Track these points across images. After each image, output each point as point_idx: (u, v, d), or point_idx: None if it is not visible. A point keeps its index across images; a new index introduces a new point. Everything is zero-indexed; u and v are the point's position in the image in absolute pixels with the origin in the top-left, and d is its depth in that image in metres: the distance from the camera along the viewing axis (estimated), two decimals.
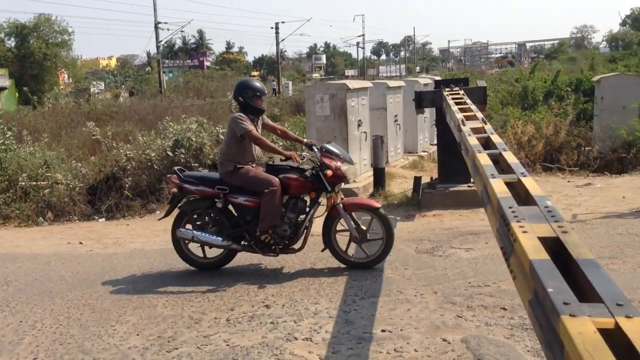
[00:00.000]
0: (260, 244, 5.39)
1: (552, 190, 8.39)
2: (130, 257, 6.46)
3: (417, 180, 8.32)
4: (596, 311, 1.44)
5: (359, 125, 9.62)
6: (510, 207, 2.44)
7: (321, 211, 5.52)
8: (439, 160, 8.51)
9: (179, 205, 5.60)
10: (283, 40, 61.47)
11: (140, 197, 9.41)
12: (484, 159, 3.42)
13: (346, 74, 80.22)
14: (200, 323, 4.28)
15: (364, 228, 5.38)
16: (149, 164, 9.71)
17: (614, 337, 1.34)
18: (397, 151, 11.81)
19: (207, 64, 75.03)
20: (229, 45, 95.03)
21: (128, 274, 5.72)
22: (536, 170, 9.75)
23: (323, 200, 5.51)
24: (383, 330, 3.94)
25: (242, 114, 5.40)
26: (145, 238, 7.57)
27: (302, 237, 5.41)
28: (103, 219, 9.16)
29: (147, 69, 68.62)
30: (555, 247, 2.00)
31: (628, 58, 29.01)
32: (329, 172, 5.29)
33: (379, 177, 8.80)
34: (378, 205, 5.50)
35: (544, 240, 2.02)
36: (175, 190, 5.57)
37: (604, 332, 1.35)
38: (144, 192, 9.48)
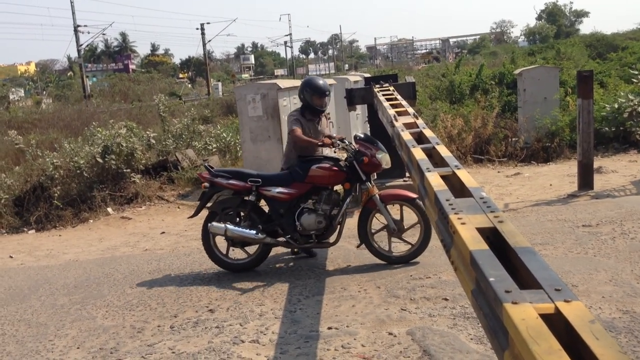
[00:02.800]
0: (294, 237, 5.29)
1: (483, 181, 8.67)
2: (64, 269, 6.22)
3: None
4: (536, 297, 1.49)
5: None
6: (447, 200, 2.50)
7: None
8: None
9: (208, 205, 5.43)
10: (209, 41, 60.62)
11: (71, 207, 9.08)
12: (418, 153, 3.49)
13: (276, 74, 79.98)
14: (143, 332, 4.18)
15: (398, 220, 5.31)
16: (78, 171, 9.39)
17: (555, 322, 1.40)
18: (331, 148, 11.88)
19: (132, 67, 73.19)
20: (154, 48, 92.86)
21: (63, 286, 5.52)
22: (467, 162, 10.04)
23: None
24: (329, 328, 3.97)
25: (295, 113, 5.58)
26: (80, 248, 7.31)
27: (337, 230, 5.33)
28: (33, 231, 8.78)
29: (69, 74, 66.18)
30: (492, 237, 2.07)
31: (546, 51, 30.24)
32: (366, 159, 5.20)
33: None
34: (415, 195, 5.21)
35: (481, 231, 2.08)
36: (206, 185, 5.38)
37: (545, 317, 1.40)
38: (74, 200, 9.15)
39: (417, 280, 4.74)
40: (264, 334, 3.98)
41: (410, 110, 5.31)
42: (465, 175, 2.85)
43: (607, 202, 6.76)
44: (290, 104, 9.59)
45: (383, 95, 6.55)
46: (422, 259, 5.28)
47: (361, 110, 11.55)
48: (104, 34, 50.93)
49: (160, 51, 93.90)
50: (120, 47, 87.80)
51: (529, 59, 25.83)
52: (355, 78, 13.83)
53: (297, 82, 10.88)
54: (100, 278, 5.66)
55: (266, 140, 9.27)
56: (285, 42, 73.27)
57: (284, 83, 9.85)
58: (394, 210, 5.47)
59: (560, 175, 8.71)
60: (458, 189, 2.80)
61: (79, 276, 5.84)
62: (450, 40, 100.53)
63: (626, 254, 4.92)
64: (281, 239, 5.33)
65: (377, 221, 5.40)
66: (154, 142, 11.15)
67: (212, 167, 5.47)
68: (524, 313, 1.42)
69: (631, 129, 9.91)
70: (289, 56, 79.17)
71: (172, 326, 4.24)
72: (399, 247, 5.42)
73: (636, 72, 11.34)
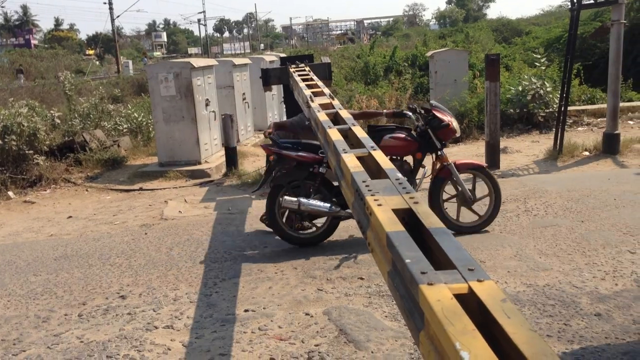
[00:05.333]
0: None
1: None
2: None
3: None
4: (451, 278, 1.51)
5: (206, 105, 9.42)
6: (363, 181, 2.50)
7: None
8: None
9: (272, 178, 5.10)
10: (118, 16, 58.11)
11: None
12: (334, 134, 3.47)
13: (189, 52, 77.98)
14: (48, 321, 3.98)
15: (470, 189, 5.19)
16: None
17: (468, 301, 1.42)
18: (247, 129, 11.75)
19: (34, 42, 69.03)
20: (57, 22, 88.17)
21: None
22: None
23: None
24: (246, 310, 3.93)
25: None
26: None
27: None
28: None
29: None
30: (408, 218, 2.08)
31: (455, 34, 31.20)
32: (451, 124, 5.09)
33: (231, 157, 8.71)
34: (485, 164, 5.30)
35: (397, 212, 2.09)
36: (273, 157, 5.06)
37: (459, 297, 1.42)
38: None
39: (333, 260, 4.77)
40: (179, 319, 3.89)
41: (327, 90, 5.30)
42: (381, 156, 2.87)
43: (512, 181, 7.08)
44: (204, 83, 9.37)
45: (299, 75, 6.51)
46: (339, 239, 5.33)
47: (277, 90, 11.48)
48: (2, 6, 47.63)
49: (65, 26, 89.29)
50: (20, 21, 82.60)
51: (440, 41, 26.57)
52: (271, 58, 13.69)
53: (212, 61, 10.65)
54: (1, 266, 5.32)
55: (180, 121, 9.02)
56: (199, 20, 71.83)
57: (198, 62, 9.59)
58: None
59: (469, 155, 9.03)
60: (374, 170, 2.81)
61: None
62: (365, 21, 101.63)
63: (529, 230, 5.18)
64: (346, 211, 4.96)
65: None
66: (59, 122, 10.59)
67: (276, 139, 5.21)
68: (439, 294, 1.43)
69: (534, 110, 10.41)
70: (202, 34, 77.41)
71: (81, 314, 4.06)
72: (466, 217, 5.34)
73: (539, 56, 11.91)
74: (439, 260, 1.72)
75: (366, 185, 2.44)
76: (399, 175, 2.52)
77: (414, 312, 1.60)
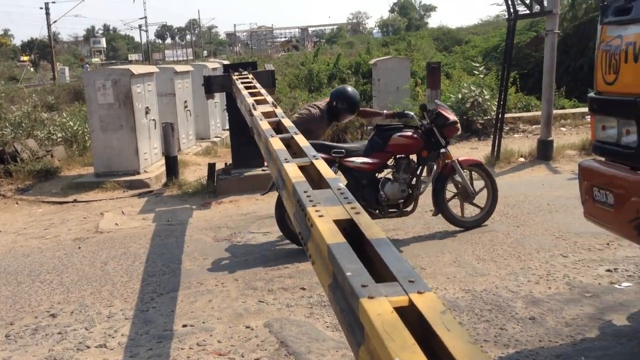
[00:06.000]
0: (378, 208, 5.15)
1: None
2: None
3: (211, 166, 8.19)
4: (392, 290, 1.48)
5: (146, 113, 9.18)
6: (305, 192, 2.45)
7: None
8: (232, 145, 8.47)
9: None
10: (55, 22, 56.28)
11: None
12: (276, 143, 3.42)
13: (130, 59, 76.34)
14: None
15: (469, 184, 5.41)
16: None
17: (409, 314, 1.39)
18: (189, 138, 11.54)
19: None
20: None
21: None
22: None
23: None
24: (184, 325, 3.82)
25: (315, 105, 5.75)
26: None
27: (414, 199, 5.21)
28: None
29: None
30: (350, 229, 2.05)
31: (398, 42, 31.75)
32: (458, 123, 5.32)
33: (172, 166, 8.51)
34: (481, 161, 5.70)
35: (339, 223, 2.05)
36: None
37: (399, 310, 1.39)
38: None
39: (275, 271, 4.70)
40: (113, 337, 3.73)
41: (269, 99, 5.24)
42: (323, 165, 2.83)
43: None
44: (144, 90, 9.14)
45: (242, 83, 6.42)
46: (280, 249, 5.26)
47: (220, 98, 11.33)
48: None
49: None
50: None
51: (382, 49, 26.93)
52: (214, 65, 13.53)
53: (153, 68, 10.42)
54: None
55: (118, 129, 8.76)
56: (140, 26, 70.28)
57: (138, 69, 9.35)
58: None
59: None
60: (316, 180, 2.77)
61: None
62: (309, 29, 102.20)
63: (468, 236, 5.25)
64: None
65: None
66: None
67: None
68: (380, 307, 1.40)
69: (473, 118, 10.63)
70: (144, 40, 76.01)
71: (8, 335, 3.83)
72: (467, 212, 5.56)
73: (477, 65, 12.21)
74: (380, 272, 1.69)
75: (307, 196, 2.39)
76: (341, 185, 2.49)
77: (354, 326, 1.56)
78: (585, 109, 8.74)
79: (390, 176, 5.30)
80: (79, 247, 5.76)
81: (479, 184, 5.56)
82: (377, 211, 5.21)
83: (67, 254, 5.58)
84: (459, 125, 5.44)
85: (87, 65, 46.28)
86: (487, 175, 5.52)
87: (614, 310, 3.64)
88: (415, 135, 5.28)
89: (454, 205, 5.55)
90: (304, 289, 4.28)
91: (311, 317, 3.81)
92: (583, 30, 15.58)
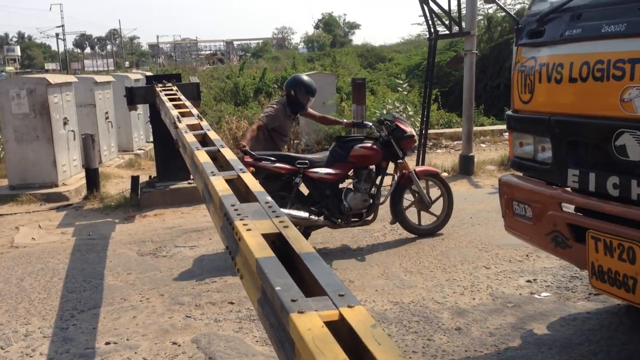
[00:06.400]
0: (340, 217, 5.29)
1: None
2: None
3: (134, 179, 7.97)
4: (322, 304, 1.48)
5: (65, 124, 8.84)
6: (232, 205, 2.43)
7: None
8: (156, 158, 8.29)
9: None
10: None
11: None
12: (202, 156, 3.38)
13: (46, 68, 73.28)
14: None
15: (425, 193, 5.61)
16: None
17: (339, 328, 1.40)
18: (110, 150, 11.19)
19: None
20: None
21: None
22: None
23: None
24: (107, 343, 3.68)
25: (280, 104, 5.86)
26: None
27: (375, 208, 5.42)
28: None
29: None
30: (278, 242, 2.04)
31: (323, 58, 32.12)
32: (414, 136, 5.59)
33: (93, 178, 8.21)
34: (438, 170, 5.89)
35: (267, 237, 2.05)
36: (252, 169, 4.73)
37: (330, 325, 1.39)
38: None
39: (202, 285, 4.62)
40: (31, 357, 3.55)
41: (195, 111, 5.17)
42: (250, 179, 2.82)
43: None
44: (62, 101, 8.80)
45: (166, 95, 6.31)
46: (207, 263, 5.18)
47: (143, 110, 11.07)
48: None
49: None
50: None
51: (308, 65, 27.17)
52: (137, 76, 13.24)
53: (71, 78, 10.05)
54: None
55: (34, 140, 8.38)
56: (57, 34, 67.63)
57: (54, 78, 9.00)
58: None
59: None
60: (243, 193, 2.75)
61: None
62: (234, 42, 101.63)
63: (395, 249, 5.36)
64: (321, 219, 5.29)
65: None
66: None
67: (251, 151, 5.19)
68: (310, 322, 1.40)
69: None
70: (61, 49, 73.18)
71: None
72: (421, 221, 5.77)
73: (401, 82, 12.54)
74: (310, 286, 1.69)
75: (235, 209, 2.37)
76: (269, 198, 2.48)
77: (284, 342, 1.56)
78: (503, 126, 9.17)
79: (351, 186, 5.41)
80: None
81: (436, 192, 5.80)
82: (340, 220, 5.35)
83: None
84: (416, 138, 5.70)
85: (3, 74, 44.03)
86: (443, 185, 5.76)
87: (535, 320, 3.79)
88: (375, 147, 5.43)
89: (411, 213, 5.74)
90: (232, 303, 4.22)
91: (240, 332, 3.76)
92: (499, 51, 16.32)
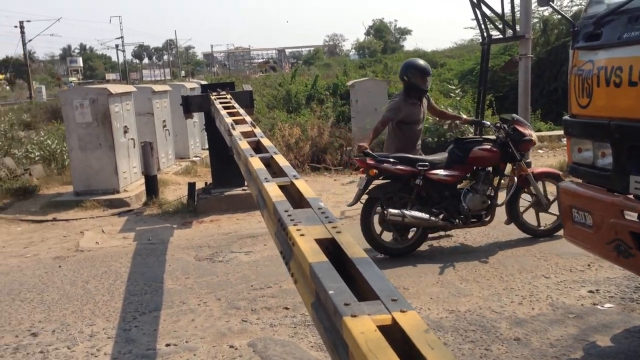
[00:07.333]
0: (459, 218, 5.34)
1: (321, 189, 8.88)
2: None
3: (191, 186, 8.18)
4: (374, 309, 1.51)
5: (125, 132, 9.15)
6: (286, 211, 2.48)
7: None
8: (211, 165, 8.48)
9: (368, 190, 5.21)
10: (30, 40, 55.96)
11: None
12: (256, 163, 3.45)
13: (107, 78, 75.89)
14: None
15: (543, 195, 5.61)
16: None
17: (392, 332, 1.42)
18: (168, 157, 11.50)
19: None
20: None
21: None
22: (305, 171, 10.23)
23: None
24: (168, 345, 3.79)
25: (397, 99, 5.86)
26: None
27: (493, 210, 5.48)
28: None
29: None
30: (331, 248, 2.07)
31: (374, 65, 32.08)
32: (532, 138, 5.50)
33: (152, 185, 8.47)
34: (559, 172, 5.83)
35: (320, 242, 2.08)
36: (375, 171, 5.15)
37: (383, 329, 1.41)
38: None
39: (257, 290, 4.70)
40: (95, 357, 3.69)
41: (248, 118, 5.29)
42: (303, 185, 2.86)
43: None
44: (122, 110, 9.11)
45: (220, 103, 6.47)
46: (262, 268, 5.26)
47: (198, 118, 11.33)
48: None
49: None
50: None
51: (359, 71, 27.14)
52: (192, 85, 13.55)
53: (131, 88, 10.39)
54: None
55: (97, 148, 8.70)
56: (117, 46, 69.95)
57: (115, 88, 9.32)
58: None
59: None
60: (296, 199, 2.80)
61: None
62: (286, 50, 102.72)
63: (450, 257, 5.29)
64: (440, 220, 5.31)
65: None
66: None
67: (371, 152, 5.34)
68: (363, 326, 1.42)
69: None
70: (121, 60, 75.66)
71: None
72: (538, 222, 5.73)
73: (453, 87, 12.39)
74: (363, 291, 1.72)
75: (289, 215, 2.41)
76: (322, 204, 2.52)
77: (338, 345, 1.58)
78: (561, 132, 8.92)
79: (470, 188, 5.46)
80: (60, 266, 5.70)
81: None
82: (458, 221, 5.39)
83: (48, 272, 5.52)
84: (535, 140, 5.63)
85: (72, 84, 45.84)
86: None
87: (598, 331, 3.67)
88: (493, 149, 5.48)
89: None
90: (287, 308, 4.28)
91: (295, 337, 3.81)
92: (556, 54, 15.91)
